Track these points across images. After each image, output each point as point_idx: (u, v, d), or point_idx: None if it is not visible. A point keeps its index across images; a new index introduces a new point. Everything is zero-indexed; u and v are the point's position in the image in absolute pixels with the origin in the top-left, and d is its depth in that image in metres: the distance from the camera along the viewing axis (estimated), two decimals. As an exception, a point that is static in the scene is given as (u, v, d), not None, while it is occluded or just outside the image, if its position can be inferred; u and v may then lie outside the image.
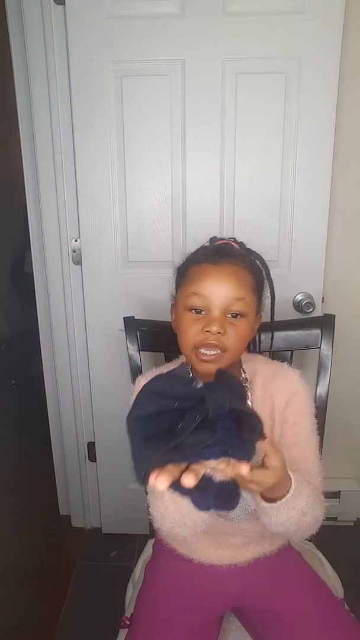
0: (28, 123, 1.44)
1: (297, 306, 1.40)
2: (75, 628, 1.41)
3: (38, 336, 1.66)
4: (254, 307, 0.81)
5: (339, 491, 1.70)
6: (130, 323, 1.13)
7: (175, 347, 1.01)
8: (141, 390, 0.54)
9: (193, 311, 0.79)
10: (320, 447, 0.88)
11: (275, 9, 1.25)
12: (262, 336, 1.06)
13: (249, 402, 0.86)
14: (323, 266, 1.42)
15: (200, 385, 0.53)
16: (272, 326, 0.97)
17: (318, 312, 1.40)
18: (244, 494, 0.84)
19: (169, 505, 0.75)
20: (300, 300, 1.40)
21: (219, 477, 0.53)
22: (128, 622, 0.90)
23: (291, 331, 1.12)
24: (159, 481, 0.47)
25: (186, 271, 0.84)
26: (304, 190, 1.36)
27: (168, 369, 0.92)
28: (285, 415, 0.85)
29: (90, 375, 1.58)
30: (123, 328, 1.13)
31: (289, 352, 1.13)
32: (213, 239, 0.89)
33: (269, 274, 0.88)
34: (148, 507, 0.80)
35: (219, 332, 0.76)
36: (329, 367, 1.11)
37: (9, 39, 1.40)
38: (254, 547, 0.90)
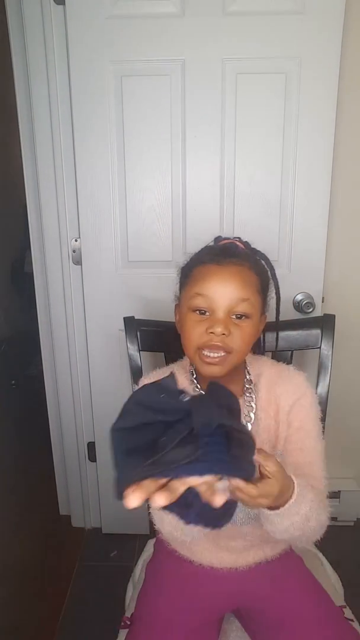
0: (28, 123, 1.44)
1: (297, 306, 1.40)
2: (75, 628, 1.41)
3: (38, 336, 1.66)
4: (258, 308, 0.80)
5: (339, 491, 1.70)
6: (130, 323, 1.13)
7: (176, 347, 1.01)
8: (128, 399, 0.52)
9: (197, 312, 0.78)
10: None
11: (275, 9, 1.25)
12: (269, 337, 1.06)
13: (251, 414, 0.85)
14: (323, 266, 1.42)
15: (187, 398, 0.51)
16: (277, 326, 0.97)
17: (318, 312, 1.40)
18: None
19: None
20: (300, 300, 1.40)
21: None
22: (129, 622, 0.90)
23: (291, 331, 1.12)
24: (131, 498, 0.45)
25: (190, 271, 0.83)
26: (304, 190, 1.36)
27: (171, 369, 0.92)
28: (290, 420, 0.84)
29: (90, 375, 1.58)
30: (123, 328, 1.13)
31: (289, 352, 1.13)
32: (218, 239, 0.87)
33: (275, 274, 0.87)
34: (149, 507, 0.80)
35: (224, 334, 0.75)
36: (329, 367, 1.11)
37: (9, 39, 1.40)
38: (255, 551, 0.89)
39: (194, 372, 0.88)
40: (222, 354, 0.77)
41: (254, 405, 0.85)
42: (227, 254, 0.80)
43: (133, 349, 1.12)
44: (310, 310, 1.39)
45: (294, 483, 0.67)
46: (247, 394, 0.86)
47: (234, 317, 0.77)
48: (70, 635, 1.39)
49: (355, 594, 1.08)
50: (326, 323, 1.12)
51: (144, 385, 0.54)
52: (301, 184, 1.36)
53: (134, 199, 1.39)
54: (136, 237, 1.42)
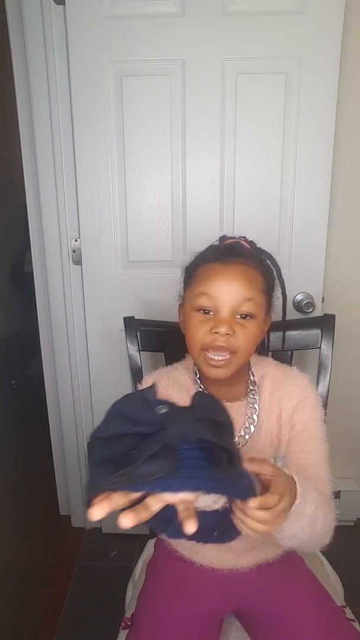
0: (28, 123, 1.44)
1: (297, 306, 1.40)
2: (75, 628, 1.41)
3: (38, 336, 1.66)
4: (263, 308, 0.80)
5: (339, 491, 1.70)
6: (130, 323, 1.13)
7: (176, 347, 1.01)
8: (109, 408, 0.51)
9: (201, 312, 0.78)
10: None
11: (275, 9, 1.25)
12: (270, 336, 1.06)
13: (254, 416, 0.84)
14: (323, 266, 1.42)
15: (164, 410, 0.48)
16: (284, 326, 0.96)
17: (318, 312, 1.40)
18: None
19: None
20: (300, 300, 1.40)
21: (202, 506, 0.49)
22: (129, 623, 0.90)
23: (291, 331, 1.12)
24: (94, 510, 0.43)
25: (194, 270, 0.82)
26: (304, 190, 1.36)
27: (175, 369, 0.92)
28: (293, 422, 0.84)
29: (90, 375, 1.57)
30: (123, 328, 1.13)
31: (289, 352, 1.13)
32: (223, 238, 0.86)
33: (280, 274, 0.86)
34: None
35: (228, 334, 0.75)
36: (329, 367, 1.10)
37: (9, 38, 1.40)
38: (256, 552, 0.89)
39: (197, 372, 0.88)
40: (227, 356, 0.76)
41: (257, 407, 0.85)
42: (232, 253, 0.80)
43: (133, 349, 1.12)
44: (310, 310, 1.39)
45: (295, 483, 0.65)
46: (251, 396, 0.86)
47: (238, 317, 0.76)
48: (70, 635, 1.39)
49: (355, 594, 1.08)
50: (326, 323, 1.12)
51: (126, 395, 0.52)
52: (301, 183, 1.36)
53: (134, 198, 1.39)
54: (136, 237, 1.42)
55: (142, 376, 1.11)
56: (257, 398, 0.86)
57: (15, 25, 1.38)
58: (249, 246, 0.84)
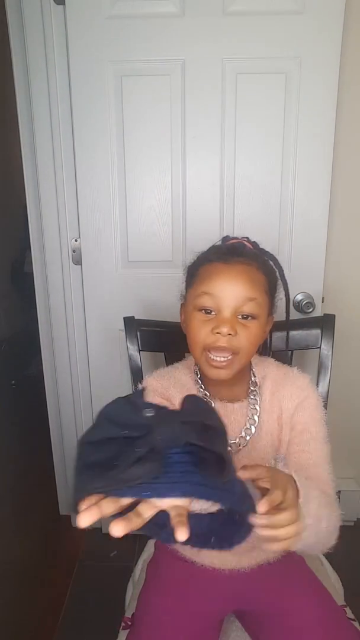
0: (28, 123, 1.45)
1: (297, 306, 1.40)
2: (75, 628, 1.41)
3: (38, 336, 1.66)
4: (266, 309, 0.79)
5: (339, 491, 1.70)
6: (130, 323, 1.13)
7: (177, 347, 1.01)
8: (98, 412, 0.50)
9: (203, 311, 0.77)
10: None
11: (275, 9, 1.25)
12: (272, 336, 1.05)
13: (255, 417, 0.84)
14: (323, 266, 1.42)
15: (151, 413, 0.48)
16: (287, 326, 0.96)
17: (318, 312, 1.40)
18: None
19: None
20: (300, 300, 1.40)
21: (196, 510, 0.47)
22: (129, 623, 0.90)
23: (291, 331, 1.12)
24: (82, 516, 0.42)
25: (197, 270, 0.82)
26: (304, 190, 1.36)
27: (176, 369, 0.91)
28: (294, 422, 0.84)
29: (90, 375, 1.57)
30: (123, 328, 1.13)
31: (289, 352, 1.13)
32: (225, 238, 0.86)
33: (284, 274, 0.86)
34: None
35: (230, 334, 0.74)
36: (329, 367, 1.10)
37: (9, 38, 1.40)
38: (257, 552, 0.89)
39: (198, 372, 0.88)
40: (229, 356, 0.76)
41: (257, 408, 0.85)
42: (235, 252, 0.79)
43: (133, 349, 1.12)
44: (310, 310, 1.39)
45: (295, 482, 0.64)
46: (252, 397, 0.86)
47: (240, 317, 0.76)
48: (70, 635, 1.38)
49: (355, 594, 1.08)
50: (326, 323, 1.12)
51: (116, 399, 0.52)
52: (301, 183, 1.36)
53: (134, 198, 1.39)
54: (136, 237, 1.42)
55: (142, 376, 1.11)
56: (258, 399, 0.85)
57: (15, 25, 1.38)
58: (251, 247, 0.84)
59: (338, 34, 1.25)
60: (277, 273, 0.85)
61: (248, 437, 0.84)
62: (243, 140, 1.33)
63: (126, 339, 1.12)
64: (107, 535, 0.45)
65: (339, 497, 1.71)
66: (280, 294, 0.87)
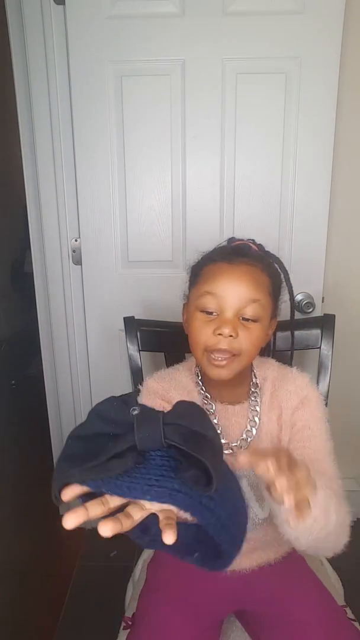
0: (28, 123, 1.44)
1: (297, 306, 1.40)
2: (75, 628, 1.41)
3: (38, 336, 1.66)
4: (269, 311, 0.79)
5: (339, 491, 1.70)
6: (130, 323, 1.13)
7: (177, 347, 1.01)
8: (91, 409, 0.50)
9: (205, 313, 0.77)
10: None
11: (275, 9, 1.25)
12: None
13: (256, 419, 0.83)
14: (323, 266, 1.42)
15: (136, 412, 0.47)
16: (292, 326, 0.96)
17: (318, 312, 1.40)
18: (252, 505, 0.83)
19: None
20: (300, 300, 1.40)
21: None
22: (130, 623, 0.90)
23: (290, 331, 1.12)
24: (68, 517, 0.42)
25: (200, 270, 0.81)
26: (304, 190, 1.36)
27: (177, 371, 0.91)
28: (294, 421, 0.83)
29: (90, 375, 1.57)
30: (123, 328, 1.13)
31: (289, 352, 1.13)
32: (231, 239, 0.86)
33: (289, 277, 0.85)
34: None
35: (231, 335, 0.74)
36: (329, 367, 1.10)
37: (9, 38, 1.40)
38: (258, 554, 0.89)
39: (199, 374, 0.88)
40: (230, 355, 0.76)
41: (258, 410, 0.85)
42: (240, 253, 0.79)
43: (133, 349, 1.12)
44: (310, 310, 1.39)
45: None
46: (252, 398, 0.86)
47: (242, 319, 0.75)
48: (70, 635, 1.38)
49: (355, 594, 1.08)
50: (326, 323, 1.12)
51: (109, 397, 0.51)
52: (301, 183, 1.36)
53: (134, 198, 1.39)
54: (136, 237, 1.42)
55: (142, 376, 1.11)
56: (258, 400, 0.85)
57: (15, 25, 1.38)
58: (257, 248, 0.83)
59: (338, 34, 1.25)
60: (282, 276, 0.85)
61: (249, 439, 0.84)
62: (243, 140, 1.33)
63: (126, 339, 1.12)
64: (107, 535, 0.45)
65: (339, 497, 1.71)
66: (284, 297, 0.87)
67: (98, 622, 1.39)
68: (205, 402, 0.85)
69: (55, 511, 1.86)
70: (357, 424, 1.71)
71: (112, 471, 0.43)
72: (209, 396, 0.86)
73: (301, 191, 1.36)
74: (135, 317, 1.14)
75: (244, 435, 0.84)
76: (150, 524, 0.47)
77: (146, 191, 1.38)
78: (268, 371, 0.88)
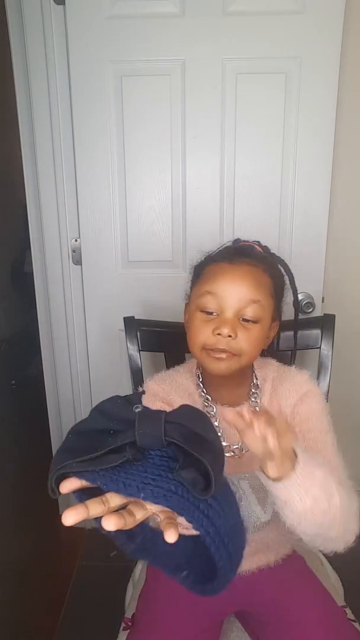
0: (28, 123, 1.44)
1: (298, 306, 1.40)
2: (75, 628, 1.41)
3: (38, 336, 1.66)
4: (270, 312, 0.78)
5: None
6: (130, 323, 1.13)
7: (177, 347, 1.00)
8: (94, 407, 0.50)
9: (205, 312, 0.76)
10: None
11: (275, 9, 1.25)
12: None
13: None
14: (323, 266, 1.42)
15: (139, 409, 0.47)
16: (296, 326, 0.96)
17: (318, 312, 1.40)
18: (254, 507, 0.83)
19: None
20: (301, 300, 1.40)
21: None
22: (130, 624, 0.90)
23: (291, 331, 1.12)
24: (67, 514, 0.41)
25: (202, 269, 0.81)
26: (304, 190, 1.36)
27: (178, 373, 0.91)
28: (294, 414, 0.83)
29: (90, 375, 1.58)
30: (123, 328, 1.13)
31: (290, 352, 1.13)
32: (236, 241, 0.86)
33: (294, 281, 0.85)
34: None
35: (230, 336, 0.73)
36: (329, 367, 1.10)
37: (9, 38, 1.40)
38: (259, 557, 0.88)
39: (200, 376, 0.87)
40: (230, 355, 0.75)
41: (258, 410, 0.85)
42: (242, 253, 0.79)
43: (133, 349, 1.12)
44: (310, 310, 1.39)
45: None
46: (253, 399, 0.85)
47: (242, 319, 0.75)
48: (70, 635, 1.38)
49: (355, 594, 1.07)
50: (326, 323, 1.12)
51: (113, 396, 0.51)
52: (301, 183, 1.35)
53: (134, 198, 1.39)
54: (136, 237, 1.42)
55: (142, 376, 1.11)
56: (258, 401, 0.85)
57: (15, 25, 1.38)
58: (261, 250, 0.83)
59: (338, 34, 1.25)
60: (288, 279, 0.84)
61: None
62: (243, 140, 1.33)
63: (126, 339, 1.12)
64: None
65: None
66: (287, 299, 0.86)
67: (98, 622, 1.39)
68: (206, 404, 0.85)
69: (55, 511, 1.86)
70: (358, 424, 1.70)
71: (109, 463, 0.43)
72: (209, 398, 0.85)
73: (301, 191, 1.36)
74: (135, 317, 1.14)
75: None
76: (137, 533, 0.47)
77: (146, 191, 1.38)
78: (268, 372, 0.88)
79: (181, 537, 0.43)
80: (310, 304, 1.39)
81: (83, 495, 0.44)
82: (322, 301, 1.45)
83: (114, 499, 0.44)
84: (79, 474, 0.43)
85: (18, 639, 1.39)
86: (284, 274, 0.85)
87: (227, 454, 0.83)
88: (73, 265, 1.53)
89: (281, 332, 1.06)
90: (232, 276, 0.76)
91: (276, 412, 0.84)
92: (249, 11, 1.25)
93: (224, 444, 0.83)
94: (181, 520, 0.44)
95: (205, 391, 0.86)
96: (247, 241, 0.85)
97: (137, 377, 1.12)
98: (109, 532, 0.43)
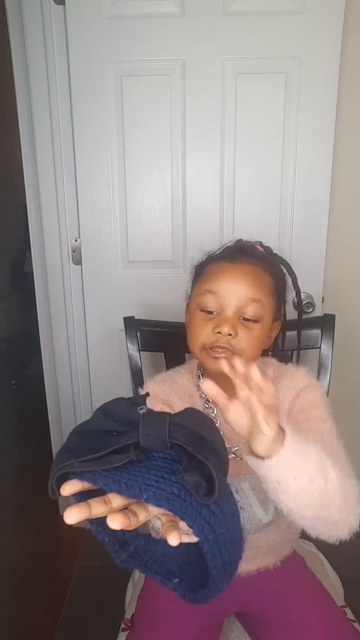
0: (28, 123, 1.44)
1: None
2: (75, 628, 1.41)
3: (38, 336, 1.66)
4: (271, 312, 0.78)
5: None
6: (130, 323, 1.13)
7: (177, 347, 1.00)
8: (97, 408, 0.50)
9: (205, 312, 0.76)
10: None
11: (275, 9, 1.25)
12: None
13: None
14: (323, 266, 1.42)
15: (143, 410, 0.46)
16: (299, 327, 0.96)
17: (318, 312, 1.40)
18: (255, 509, 0.83)
19: None
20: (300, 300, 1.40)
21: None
22: (129, 624, 0.90)
23: (291, 331, 1.12)
24: (69, 513, 0.41)
25: (203, 269, 0.81)
26: (304, 190, 1.36)
27: (178, 374, 0.90)
28: (291, 408, 0.82)
29: (90, 375, 1.58)
30: (123, 328, 1.13)
31: (289, 352, 1.13)
32: (239, 241, 0.86)
33: (297, 281, 0.85)
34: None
35: (230, 334, 0.73)
36: (329, 367, 1.10)
37: (9, 38, 1.40)
38: (259, 561, 0.88)
39: (201, 376, 0.87)
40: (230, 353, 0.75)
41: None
42: (243, 252, 0.79)
43: (133, 349, 1.12)
44: (310, 310, 1.39)
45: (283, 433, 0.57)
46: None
47: (242, 318, 0.75)
48: (70, 635, 1.38)
49: (355, 594, 1.07)
50: (326, 323, 1.12)
51: (117, 397, 0.51)
52: (301, 184, 1.35)
53: (134, 198, 1.39)
54: (136, 237, 1.42)
55: (142, 376, 1.11)
56: None
57: (15, 25, 1.38)
58: (262, 250, 0.83)
59: (338, 34, 1.25)
60: (291, 279, 0.84)
61: None
62: (243, 140, 1.33)
63: (126, 339, 1.12)
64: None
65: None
66: (288, 298, 0.86)
67: (98, 622, 1.39)
68: (207, 406, 0.85)
69: (55, 511, 1.86)
70: (357, 423, 1.70)
71: (112, 464, 0.42)
72: (210, 400, 0.85)
73: (301, 191, 1.36)
74: (135, 317, 1.14)
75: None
76: (130, 540, 0.46)
77: (146, 191, 1.38)
78: (268, 371, 0.88)
79: (181, 546, 0.42)
80: (310, 304, 1.39)
81: (83, 498, 0.44)
82: (322, 301, 1.45)
83: (116, 500, 0.43)
84: (80, 475, 0.43)
85: (18, 639, 1.39)
86: (286, 274, 0.85)
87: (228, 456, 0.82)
88: (73, 265, 1.53)
89: (299, 333, 1.05)
90: (232, 275, 0.75)
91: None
92: (249, 11, 1.25)
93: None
94: (181, 525, 0.44)
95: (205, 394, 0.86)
96: (250, 241, 0.85)
97: (137, 377, 1.12)
98: (103, 538, 0.43)
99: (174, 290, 0.92)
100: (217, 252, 0.84)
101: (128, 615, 0.92)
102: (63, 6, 1.27)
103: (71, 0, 1.26)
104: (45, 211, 1.50)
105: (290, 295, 0.90)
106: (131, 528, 0.43)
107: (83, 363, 1.61)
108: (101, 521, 0.44)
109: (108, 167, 1.37)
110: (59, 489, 0.44)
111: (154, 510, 0.45)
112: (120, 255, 1.44)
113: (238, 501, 0.79)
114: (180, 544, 0.42)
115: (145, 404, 0.48)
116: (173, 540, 0.41)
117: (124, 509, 0.44)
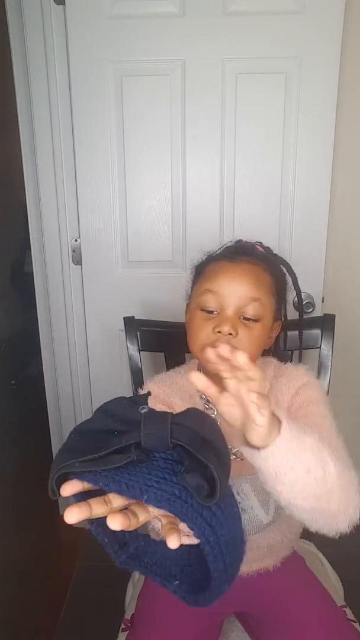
0: (28, 123, 1.44)
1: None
2: (75, 628, 1.41)
3: (38, 336, 1.66)
4: (271, 311, 0.78)
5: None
6: (130, 323, 1.13)
7: (177, 347, 1.00)
8: (98, 407, 0.49)
9: (205, 311, 0.76)
10: None
11: (275, 9, 1.25)
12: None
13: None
14: (323, 266, 1.42)
15: (145, 410, 0.46)
16: (300, 327, 0.96)
17: (318, 312, 1.40)
18: (257, 510, 0.83)
19: None
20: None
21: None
22: (129, 625, 0.90)
23: (292, 331, 1.11)
24: (69, 513, 0.40)
25: (203, 268, 0.81)
26: (304, 190, 1.36)
27: (178, 374, 0.90)
28: (290, 404, 0.82)
29: (90, 375, 1.58)
30: (123, 328, 1.13)
31: (289, 352, 1.13)
32: (238, 241, 0.86)
33: (297, 282, 0.84)
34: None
35: (230, 333, 0.73)
36: (329, 367, 1.10)
37: (9, 38, 1.40)
38: (258, 562, 0.88)
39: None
40: None
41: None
42: (243, 252, 0.79)
43: (133, 349, 1.12)
44: (310, 310, 1.39)
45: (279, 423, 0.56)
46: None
47: (242, 318, 0.74)
48: (70, 636, 1.39)
49: (355, 594, 1.07)
50: (326, 323, 1.12)
51: (118, 397, 0.50)
52: (301, 184, 1.35)
53: (134, 198, 1.39)
54: (136, 237, 1.42)
55: (142, 376, 1.11)
56: None
57: (15, 25, 1.38)
58: (262, 250, 0.83)
59: (338, 34, 1.25)
60: (291, 279, 0.84)
61: None
62: (243, 140, 1.33)
63: (126, 339, 1.12)
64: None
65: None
66: (289, 298, 0.86)
67: (98, 622, 1.39)
68: (207, 406, 0.85)
69: (55, 511, 1.86)
70: (357, 423, 1.70)
71: (113, 464, 0.42)
72: (210, 400, 0.85)
73: (301, 191, 1.36)
74: (135, 317, 1.14)
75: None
76: (130, 541, 0.46)
77: (146, 191, 1.38)
78: (268, 371, 0.88)
79: (179, 546, 0.42)
80: (310, 304, 1.39)
81: (83, 498, 0.44)
82: (322, 301, 1.45)
83: (116, 500, 0.43)
84: (80, 475, 0.43)
85: (18, 639, 1.39)
86: (286, 274, 0.85)
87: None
88: (73, 265, 1.53)
89: (300, 332, 1.05)
90: (232, 274, 0.75)
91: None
92: (249, 11, 1.25)
93: None
94: (182, 527, 0.44)
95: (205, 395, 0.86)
96: (250, 242, 0.85)
97: (137, 377, 1.11)
98: (103, 539, 0.42)
99: (174, 290, 0.92)
100: (217, 252, 0.84)
101: (128, 615, 0.92)
102: (63, 6, 1.27)
103: (71, 0, 1.26)
104: (45, 211, 1.50)
105: (291, 295, 0.90)
106: (131, 529, 0.42)
107: (83, 363, 1.61)
108: (101, 522, 0.43)
109: (108, 167, 1.37)
110: (59, 489, 0.43)
111: (154, 511, 0.45)
112: (120, 255, 1.44)
113: (239, 502, 0.79)
114: (181, 545, 0.41)
115: (146, 403, 0.47)
116: (172, 543, 0.41)
117: (124, 510, 0.44)
